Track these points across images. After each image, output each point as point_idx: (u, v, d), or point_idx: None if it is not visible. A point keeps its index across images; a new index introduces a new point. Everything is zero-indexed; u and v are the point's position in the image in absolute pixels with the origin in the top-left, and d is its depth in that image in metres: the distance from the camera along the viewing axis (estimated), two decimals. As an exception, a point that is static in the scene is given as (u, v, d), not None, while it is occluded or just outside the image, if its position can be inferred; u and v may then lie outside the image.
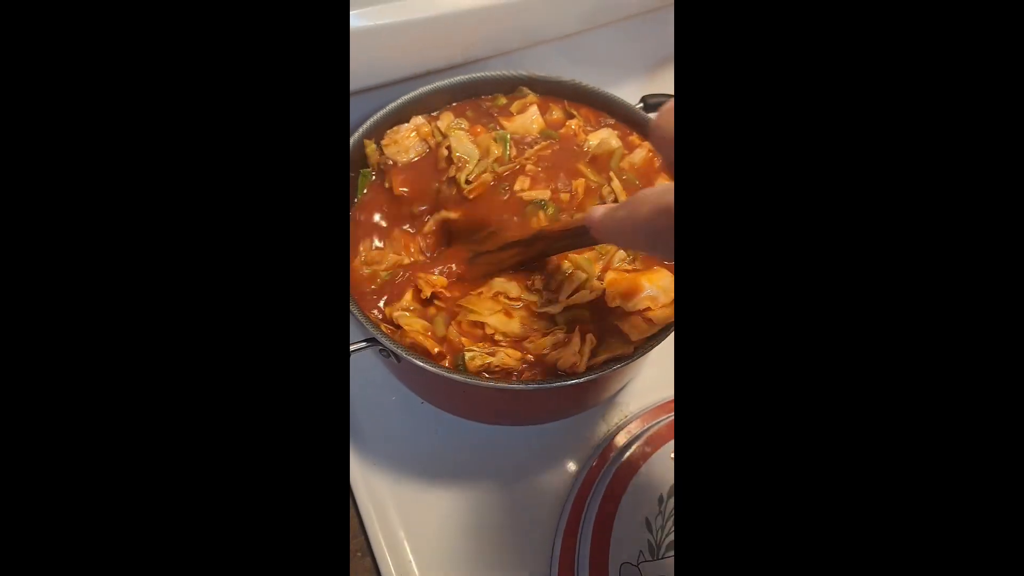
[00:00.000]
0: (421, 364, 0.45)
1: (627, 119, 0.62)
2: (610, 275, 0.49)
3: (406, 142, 0.58)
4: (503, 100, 0.63)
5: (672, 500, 0.54)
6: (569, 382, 0.45)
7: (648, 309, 0.47)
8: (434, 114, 0.61)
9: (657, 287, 0.48)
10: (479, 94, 0.63)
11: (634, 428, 0.59)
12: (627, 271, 0.50)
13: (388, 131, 0.58)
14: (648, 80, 0.89)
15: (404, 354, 0.45)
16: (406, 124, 0.59)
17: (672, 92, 0.68)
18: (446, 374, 0.45)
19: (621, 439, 0.58)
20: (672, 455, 0.56)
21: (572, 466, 0.59)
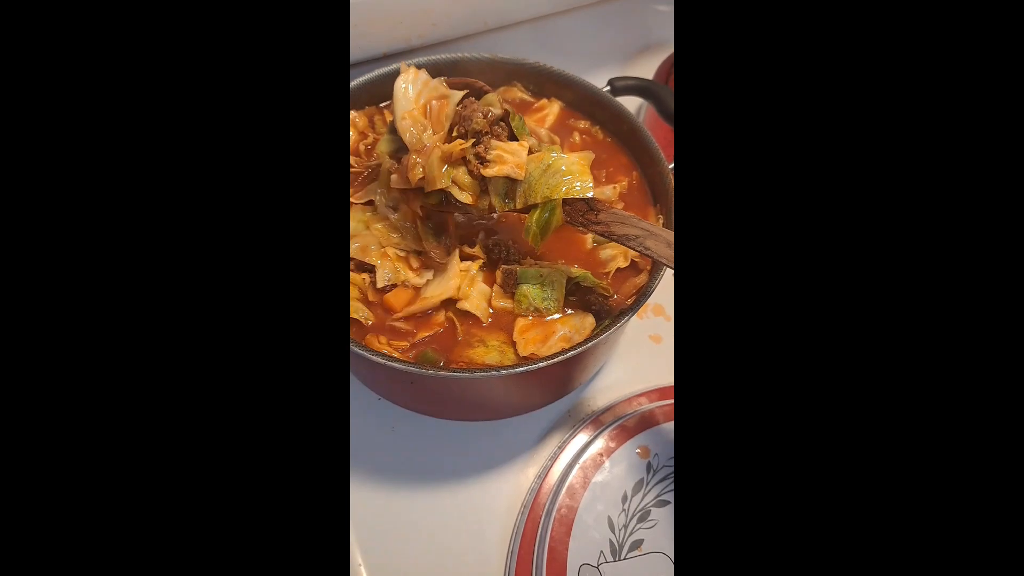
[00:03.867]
0: (365, 354, 0.42)
1: (589, 102, 0.60)
2: (520, 324, 0.47)
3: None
4: None
5: (637, 497, 0.51)
6: (519, 369, 0.42)
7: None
8: (381, 105, 0.59)
9: (571, 327, 0.47)
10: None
11: (599, 423, 0.56)
12: (533, 323, 0.48)
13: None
14: (622, 69, 0.86)
15: (352, 347, 0.42)
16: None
17: (644, 77, 0.66)
18: (390, 363, 0.42)
19: (584, 435, 0.55)
20: (637, 450, 0.54)
21: (534, 463, 0.56)
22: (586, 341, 0.44)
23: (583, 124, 0.60)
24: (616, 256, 0.51)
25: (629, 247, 0.43)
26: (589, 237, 0.53)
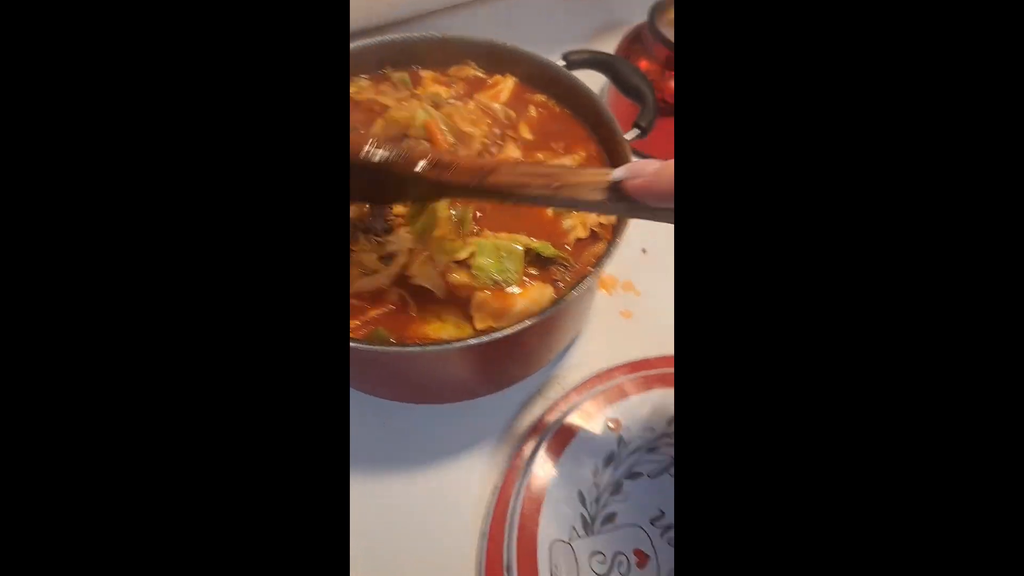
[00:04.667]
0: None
1: (544, 77, 0.59)
2: (478, 297, 0.46)
3: None
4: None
5: (608, 470, 0.51)
6: (471, 342, 0.41)
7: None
8: None
9: (530, 299, 0.46)
10: (385, 61, 0.59)
11: (570, 399, 0.55)
12: (492, 296, 0.46)
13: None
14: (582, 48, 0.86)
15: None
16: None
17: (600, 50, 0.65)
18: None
19: (556, 412, 0.55)
20: (609, 424, 0.53)
21: (507, 442, 0.55)
22: (543, 312, 0.43)
23: (539, 98, 0.59)
24: (576, 226, 0.51)
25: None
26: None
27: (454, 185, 0.36)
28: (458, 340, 0.41)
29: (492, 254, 0.46)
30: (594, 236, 0.51)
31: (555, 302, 0.44)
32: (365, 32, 0.66)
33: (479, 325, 0.44)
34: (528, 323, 0.42)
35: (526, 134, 0.56)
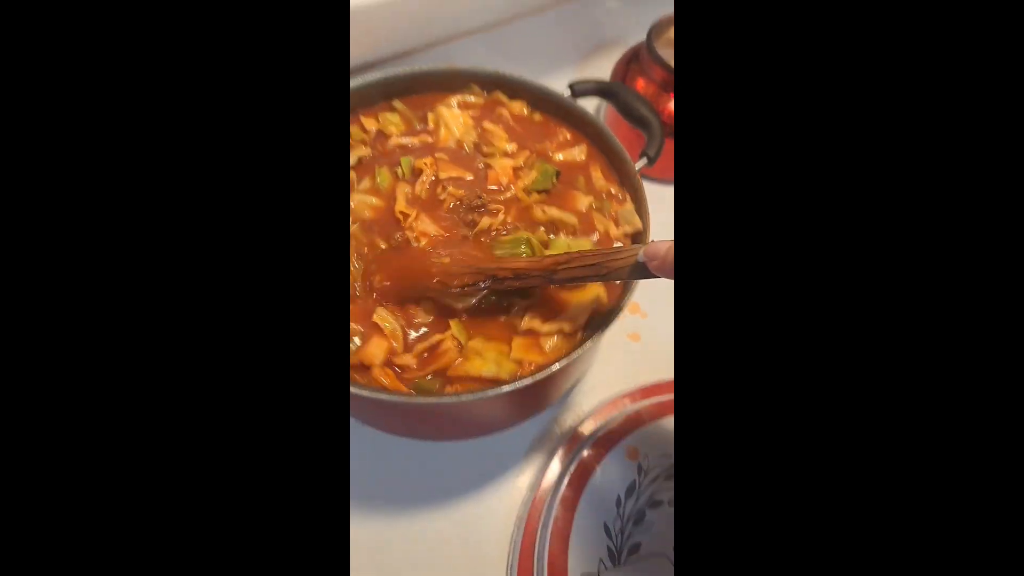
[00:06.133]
0: (364, 393, 0.41)
1: (556, 110, 0.60)
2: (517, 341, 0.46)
3: None
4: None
5: (631, 499, 0.51)
6: (491, 393, 0.41)
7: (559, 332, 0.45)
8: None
9: (575, 300, 0.47)
10: (392, 94, 0.59)
11: (586, 429, 0.56)
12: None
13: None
14: (579, 69, 0.87)
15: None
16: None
17: (601, 78, 0.66)
18: (367, 394, 0.41)
19: (573, 443, 0.55)
20: (626, 452, 0.54)
21: (525, 476, 0.56)
22: (575, 350, 0.43)
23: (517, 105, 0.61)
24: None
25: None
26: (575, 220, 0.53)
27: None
28: (504, 383, 0.42)
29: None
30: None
31: (584, 341, 0.44)
32: (364, 67, 0.66)
33: (515, 354, 0.45)
34: (565, 362, 0.42)
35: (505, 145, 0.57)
